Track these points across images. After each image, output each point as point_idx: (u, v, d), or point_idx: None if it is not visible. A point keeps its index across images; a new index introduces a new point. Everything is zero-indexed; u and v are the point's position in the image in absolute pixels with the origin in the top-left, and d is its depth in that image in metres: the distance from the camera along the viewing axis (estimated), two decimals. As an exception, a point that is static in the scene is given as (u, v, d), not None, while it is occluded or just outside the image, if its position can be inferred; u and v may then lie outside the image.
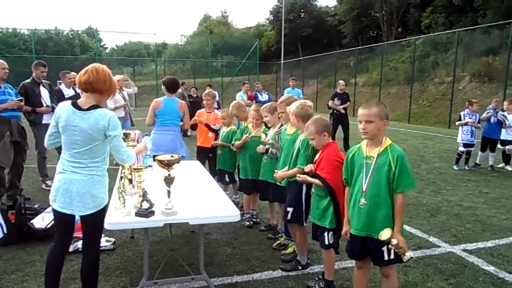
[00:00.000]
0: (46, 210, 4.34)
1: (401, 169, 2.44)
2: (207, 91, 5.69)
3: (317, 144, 3.10)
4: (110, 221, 2.54)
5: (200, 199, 3.02)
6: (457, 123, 8.25)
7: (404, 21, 29.47)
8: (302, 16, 39.90)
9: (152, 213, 2.61)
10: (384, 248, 2.51)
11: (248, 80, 15.30)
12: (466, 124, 7.91)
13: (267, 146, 4.11)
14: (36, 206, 4.67)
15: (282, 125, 4.02)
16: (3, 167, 5.01)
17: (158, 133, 4.73)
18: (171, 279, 3.15)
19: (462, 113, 8.12)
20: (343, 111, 10.15)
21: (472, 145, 7.97)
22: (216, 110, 5.49)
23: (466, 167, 8.01)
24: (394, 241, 2.38)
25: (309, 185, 3.19)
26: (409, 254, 2.43)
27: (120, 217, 2.61)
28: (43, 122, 5.77)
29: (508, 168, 8.06)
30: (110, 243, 3.93)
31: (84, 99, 2.61)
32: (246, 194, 4.75)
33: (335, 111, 10.17)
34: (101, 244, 3.17)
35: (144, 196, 2.62)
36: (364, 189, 2.54)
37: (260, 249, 3.98)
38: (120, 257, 3.76)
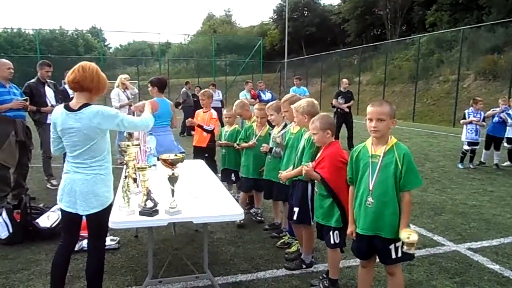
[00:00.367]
0: (51, 209, 4.38)
1: (408, 167, 2.44)
2: (203, 90, 5.67)
3: (318, 140, 3.06)
4: (115, 220, 2.55)
5: (204, 198, 3.02)
6: (461, 121, 8.21)
7: (408, 19, 29.28)
8: (305, 14, 39.77)
9: (156, 212, 2.61)
10: (392, 247, 2.50)
11: (252, 79, 15.33)
12: (470, 122, 7.87)
13: (271, 145, 4.11)
14: (41, 205, 4.71)
15: (286, 124, 4.02)
16: (9, 166, 5.03)
17: (159, 135, 4.71)
18: (175, 278, 3.16)
19: (466, 112, 8.08)
20: (347, 110, 10.12)
21: (476, 144, 7.92)
22: (212, 110, 5.46)
23: (471, 166, 7.97)
24: (415, 236, 2.34)
25: (314, 184, 3.19)
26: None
27: (124, 216, 2.61)
28: (48, 121, 5.76)
29: (514, 166, 8.00)
30: (115, 242, 3.95)
31: (75, 99, 2.61)
32: (243, 192, 4.77)
33: (339, 110, 10.14)
34: (106, 243, 3.19)
35: (148, 195, 2.62)
36: (370, 188, 2.52)
37: (264, 247, 3.99)
38: (124, 256, 3.78)
